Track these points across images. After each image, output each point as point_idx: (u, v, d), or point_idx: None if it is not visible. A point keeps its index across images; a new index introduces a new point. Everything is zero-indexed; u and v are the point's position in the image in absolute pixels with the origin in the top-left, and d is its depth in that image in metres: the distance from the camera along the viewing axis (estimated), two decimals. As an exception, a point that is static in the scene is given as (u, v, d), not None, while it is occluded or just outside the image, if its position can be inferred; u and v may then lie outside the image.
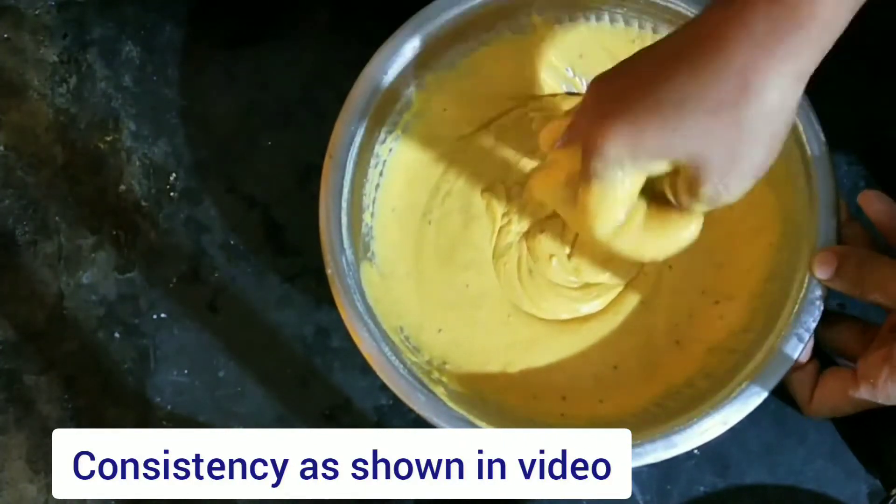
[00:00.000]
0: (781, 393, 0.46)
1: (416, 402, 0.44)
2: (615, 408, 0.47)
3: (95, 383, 0.51)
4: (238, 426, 0.50)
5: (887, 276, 0.42)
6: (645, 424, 0.44)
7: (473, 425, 0.43)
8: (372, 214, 0.49)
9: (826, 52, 0.34)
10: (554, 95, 0.51)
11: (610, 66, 0.39)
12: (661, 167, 0.36)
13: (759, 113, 0.34)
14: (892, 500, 0.46)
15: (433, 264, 0.50)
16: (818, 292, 0.44)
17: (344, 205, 0.46)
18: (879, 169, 0.52)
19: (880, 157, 0.52)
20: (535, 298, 0.49)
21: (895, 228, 0.46)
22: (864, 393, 0.43)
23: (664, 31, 0.48)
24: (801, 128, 0.45)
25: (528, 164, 0.50)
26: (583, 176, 0.38)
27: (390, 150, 0.50)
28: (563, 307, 0.49)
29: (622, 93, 0.36)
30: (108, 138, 0.54)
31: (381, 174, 0.50)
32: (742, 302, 0.47)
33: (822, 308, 0.44)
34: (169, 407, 0.51)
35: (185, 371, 0.51)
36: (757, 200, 0.46)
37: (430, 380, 0.45)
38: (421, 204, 0.50)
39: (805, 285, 0.44)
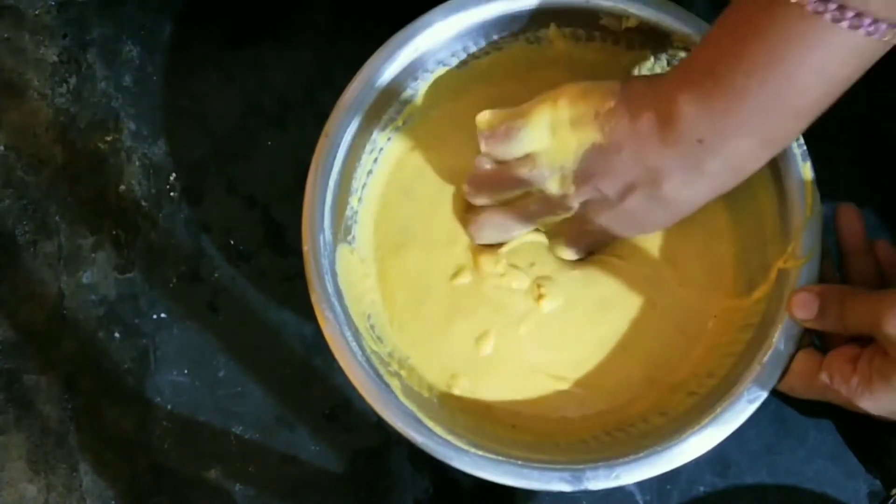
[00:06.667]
0: (781, 393, 0.46)
1: (369, 392, 0.43)
2: (566, 428, 0.47)
3: (95, 383, 0.51)
4: (238, 426, 0.50)
5: (870, 310, 0.41)
6: (589, 450, 0.44)
7: (422, 424, 0.43)
8: (360, 199, 0.49)
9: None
10: None
11: (619, 90, 0.42)
12: None
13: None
14: (892, 500, 0.46)
15: (398, 240, 0.49)
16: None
17: (331, 184, 0.46)
18: (879, 169, 0.52)
19: (880, 157, 0.52)
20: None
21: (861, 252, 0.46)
22: (823, 379, 0.42)
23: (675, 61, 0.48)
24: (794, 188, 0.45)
25: None
26: None
27: (389, 138, 0.50)
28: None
29: None
30: (108, 138, 0.54)
31: (375, 161, 0.50)
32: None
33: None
34: (169, 407, 0.51)
35: (185, 371, 0.51)
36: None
37: (386, 371, 0.45)
38: (405, 182, 0.50)
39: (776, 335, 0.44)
